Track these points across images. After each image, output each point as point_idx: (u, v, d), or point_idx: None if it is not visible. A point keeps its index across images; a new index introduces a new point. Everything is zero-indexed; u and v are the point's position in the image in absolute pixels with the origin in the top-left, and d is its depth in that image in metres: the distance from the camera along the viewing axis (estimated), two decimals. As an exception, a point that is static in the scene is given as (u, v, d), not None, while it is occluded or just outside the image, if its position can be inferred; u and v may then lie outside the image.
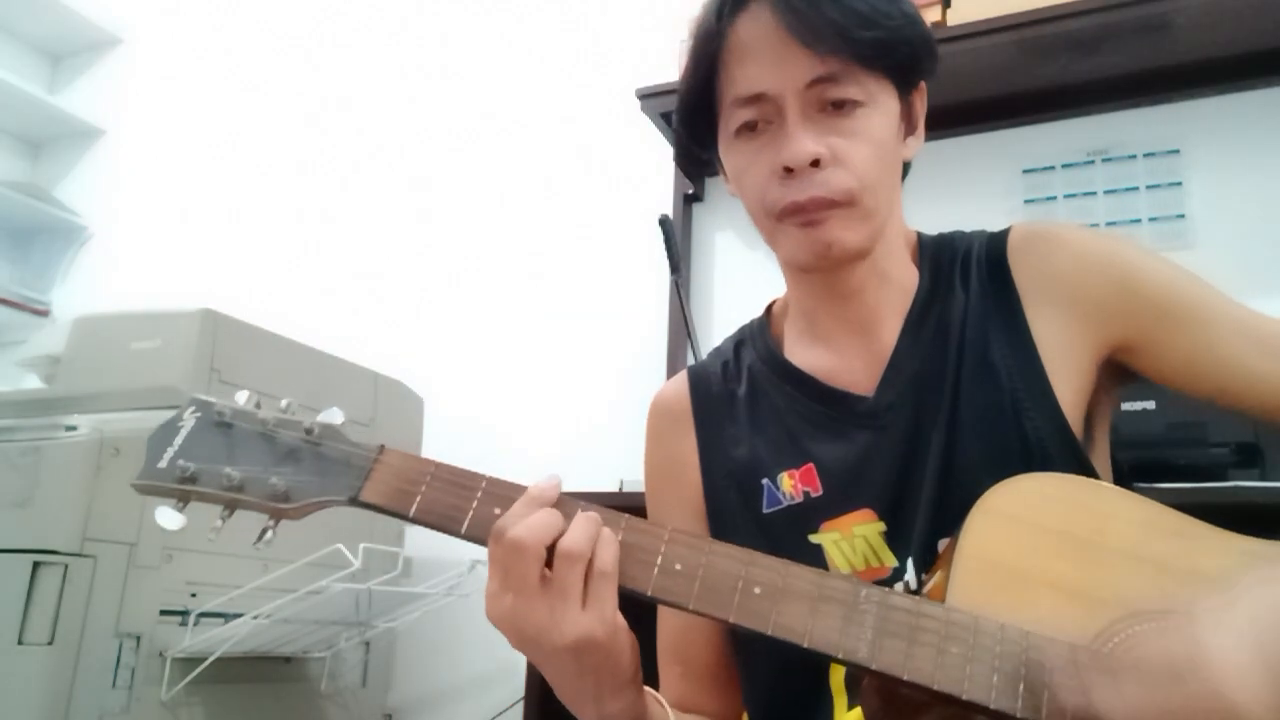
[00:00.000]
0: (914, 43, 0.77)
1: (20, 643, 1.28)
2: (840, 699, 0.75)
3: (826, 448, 0.80)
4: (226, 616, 1.46)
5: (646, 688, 0.71)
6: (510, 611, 0.61)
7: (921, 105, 0.83)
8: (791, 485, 0.80)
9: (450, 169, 2.43)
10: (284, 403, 0.70)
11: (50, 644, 1.28)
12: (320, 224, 2.55)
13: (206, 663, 1.42)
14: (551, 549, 0.60)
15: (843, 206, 0.74)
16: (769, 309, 0.94)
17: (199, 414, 0.69)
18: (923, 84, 0.82)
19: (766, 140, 0.76)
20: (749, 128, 0.77)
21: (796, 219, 0.75)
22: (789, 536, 0.78)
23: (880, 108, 0.76)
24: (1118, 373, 0.79)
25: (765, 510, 0.81)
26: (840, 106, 0.74)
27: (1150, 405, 1.34)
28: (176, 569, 1.44)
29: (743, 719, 0.86)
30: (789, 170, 0.74)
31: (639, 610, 0.65)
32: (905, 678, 0.57)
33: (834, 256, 0.76)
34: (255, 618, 1.42)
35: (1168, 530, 0.65)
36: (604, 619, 0.60)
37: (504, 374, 2.22)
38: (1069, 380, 0.76)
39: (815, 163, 0.73)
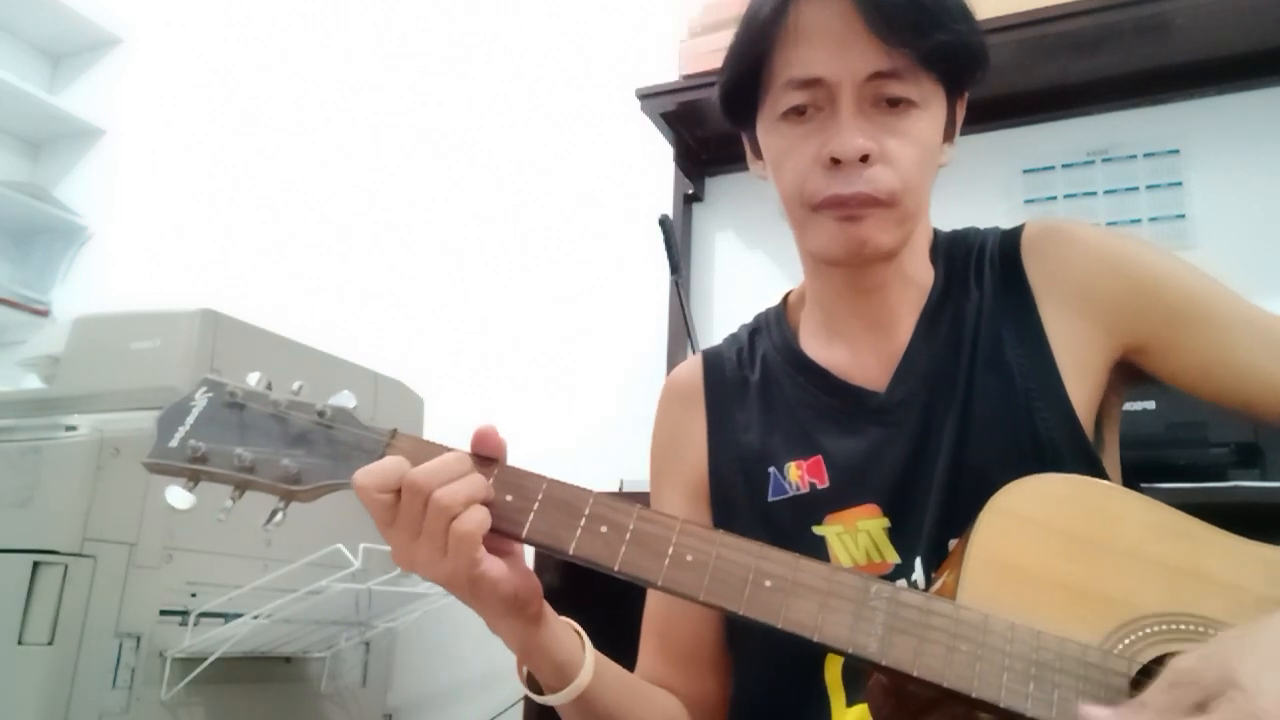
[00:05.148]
0: (975, 51, 0.77)
1: (20, 643, 1.28)
2: (837, 696, 0.75)
3: (836, 441, 0.80)
4: (226, 616, 1.46)
5: (567, 620, 0.73)
6: (394, 543, 0.64)
7: (961, 115, 0.82)
8: (798, 475, 0.80)
9: (450, 168, 2.43)
10: (296, 385, 0.69)
11: (50, 644, 1.28)
12: (320, 224, 2.54)
13: (206, 663, 1.41)
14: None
15: (884, 206, 0.74)
16: (785, 299, 0.94)
17: (210, 394, 0.68)
18: (965, 94, 0.82)
19: (815, 127, 0.75)
20: (798, 112, 0.76)
21: (835, 212, 0.75)
22: (792, 526, 0.79)
23: (931, 112, 0.76)
24: (1128, 373, 0.79)
25: (770, 499, 0.81)
26: (895, 104, 0.74)
27: (1150, 405, 1.34)
28: (176, 569, 1.43)
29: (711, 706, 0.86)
30: (836, 161, 0.73)
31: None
32: (915, 674, 0.57)
33: (866, 255, 0.76)
34: (255, 618, 1.42)
35: (1178, 533, 0.65)
36: (457, 571, 0.63)
37: (504, 374, 2.21)
38: (1081, 380, 0.76)
39: (864, 158, 0.73)
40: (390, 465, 0.62)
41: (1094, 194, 1.79)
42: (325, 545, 1.42)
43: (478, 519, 0.61)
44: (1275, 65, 1.67)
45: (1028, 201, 1.83)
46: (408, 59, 2.57)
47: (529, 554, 0.69)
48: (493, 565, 0.63)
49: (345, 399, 0.68)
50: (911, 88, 0.74)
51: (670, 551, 0.62)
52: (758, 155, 0.85)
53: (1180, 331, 0.75)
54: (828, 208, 0.75)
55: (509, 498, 0.64)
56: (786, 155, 0.77)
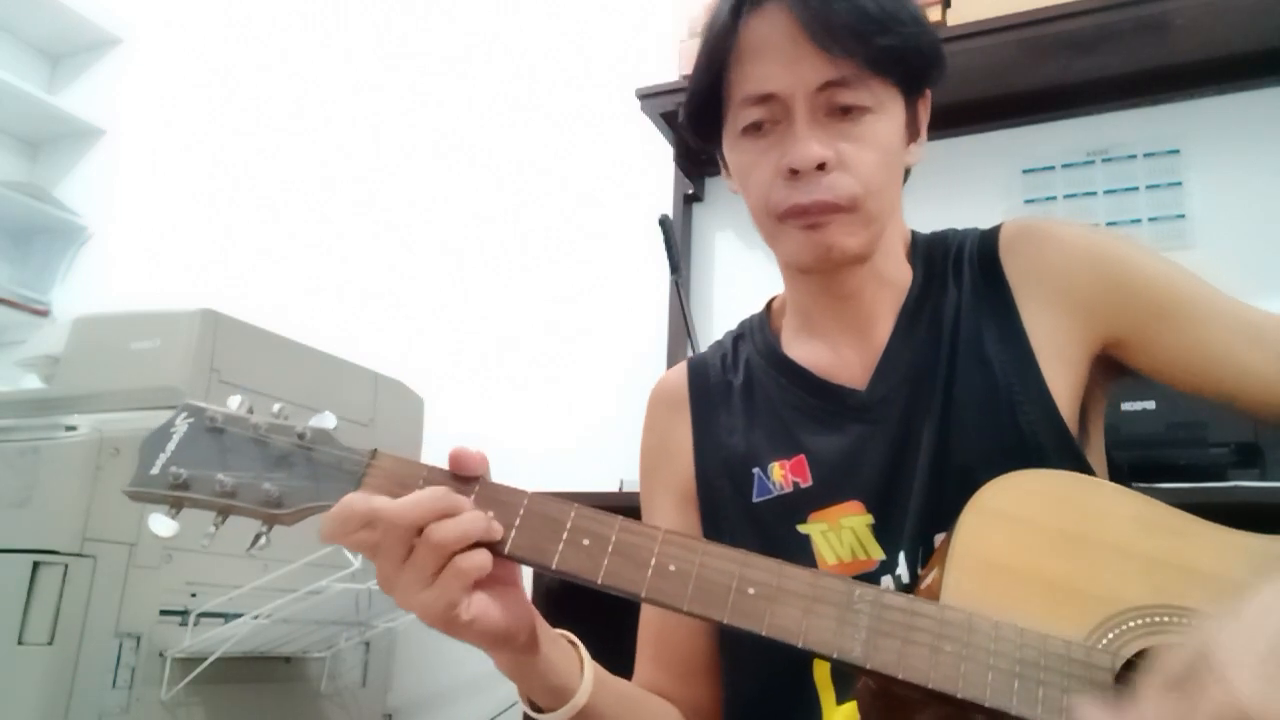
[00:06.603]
0: (925, 51, 0.78)
1: (20, 643, 1.28)
2: (827, 695, 0.75)
3: (818, 440, 0.81)
4: (226, 616, 1.46)
5: (563, 633, 0.72)
6: (378, 574, 0.62)
7: (925, 112, 0.83)
8: (782, 475, 0.81)
9: (450, 168, 2.43)
10: (276, 407, 0.69)
11: (50, 644, 1.28)
12: (320, 224, 2.55)
13: (206, 663, 1.42)
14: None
15: (846, 211, 0.75)
16: (769, 304, 0.95)
17: (191, 419, 0.68)
18: (928, 91, 0.82)
19: (773, 141, 0.77)
20: (755, 127, 0.77)
21: (799, 221, 0.76)
22: (778, 526, 0.79)
23: (887, 114, 0.77)
24: (1111, 368, 0.80)
25: (755, 499, 0.81)
26: (848, 111, 0.75)
27: (1150, 405, 1.34)
28: (176, 569, 1.44)
29: (708, 712, 0.85)
30: (794, 172, 0.74)
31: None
32: (900, 676, 0.57)
33: (834, 260, 0.77)
34: (255, 618, 1.42)
35: (1161, 526, 0.65)
36: (434, 604, 0.60)
37: (504, 374, 2.22)
38: (1062, 375, 0.76)
39: (821, 166, 0.74)
40: (342, 513, 0.61)
41: (1094, 194, 1.79)
42: (325, 545, 1.42)
43: (477, 563, 0.60)
44: (1275, 65, 1.67)
45: (1028, 201, 1.84)
46: (408, 59, 2.57)
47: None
48: (474, 605, 0.61)
49: (325, 420, 0.68)
50: (863, 94, 0.75)
51: (653, 562, 0.61)
52: (729, 172, 0.86)
53: (1157, 324, 0.75)
54: (791, 217, 0.76)
55: (490, 514, 0.63)
56: (750, 170, 0.79)
